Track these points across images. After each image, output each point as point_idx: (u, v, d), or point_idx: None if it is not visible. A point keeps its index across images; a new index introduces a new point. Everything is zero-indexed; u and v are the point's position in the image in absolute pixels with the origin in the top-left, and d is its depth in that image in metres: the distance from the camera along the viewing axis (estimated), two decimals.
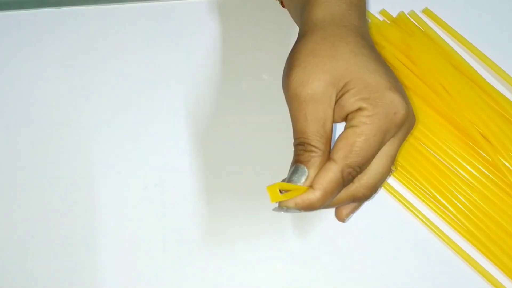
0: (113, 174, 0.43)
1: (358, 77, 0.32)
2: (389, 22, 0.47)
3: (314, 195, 0.31)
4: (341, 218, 0.37)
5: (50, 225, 0.42)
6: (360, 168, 0.32)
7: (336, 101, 0.32)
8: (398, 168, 0.43)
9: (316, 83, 0.32)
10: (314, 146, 0.32)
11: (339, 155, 0.31)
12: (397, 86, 0.33)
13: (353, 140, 0.31)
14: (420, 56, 0.44)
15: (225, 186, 0.43)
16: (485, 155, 0.42)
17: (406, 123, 0.33)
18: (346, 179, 0.32)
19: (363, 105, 0.31)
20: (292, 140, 0.33)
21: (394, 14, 0.48)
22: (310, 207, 0.32)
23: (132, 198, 0.42)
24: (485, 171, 0.42)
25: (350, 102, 0.32)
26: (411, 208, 0.42)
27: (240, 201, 0.42)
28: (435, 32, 0.47)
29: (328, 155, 0.32)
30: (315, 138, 0.32)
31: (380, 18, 0.48)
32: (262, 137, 0.44)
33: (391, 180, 0.43)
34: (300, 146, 0.32)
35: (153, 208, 0.42)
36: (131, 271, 0.41)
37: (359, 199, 0.34)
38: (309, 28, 0.34)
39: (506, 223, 0.41)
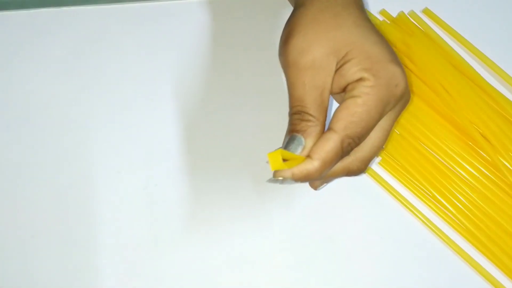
0: (113, 174, 0.43)
1: (360, 48, 0.32)
2: (389, 22, 0.47)
3: (313, 165, 0.30)
4: (315, 186, 0.36)
5: (50, 225, 0.42)
6: (359, 139, 0.32)
7: (336, 70, 0.32)
8: (398, 167, 0.43)
9: (317, 50, 0.32)
10: (311, 115, 0.31)
11: (340, 125, 0.31)
12: (397, 59, 0.32)
13: (354, 110, 0.31)
14: (420, 56, 0.44)
15: (225, 186, 0.43)
16: (485, 155, 0.42)
17: (404, 97, 0.33)
18: (345, 150, 0.31)
19: (365, 75, 0.31)
20: None
21: (394, 14, 0.48)
22: (307, 178, 0.31)
23: (132, 198, 0.42)
24: (485, 171, 0.42)
25: (352, 71, 0.31)
26: (411, 208, 0.42)
27: (240, 201, 0.42)
28: (435, 32, 0.47)
29: (324, 125, 0.32)
30: (313, 106, 0.31)
31: (380, 18, 0.48)
32: (262, 137, 0.44)
33: (391, 180, 0.43)
34: (297, 115, 0.31)
35: (153, 208, 0.42)
36: (131, 271, 0.41)
37: (353, 173, 0.34)
38: (297, 2, 0.34)
39: (506, 223, 0.41)
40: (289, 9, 0.46)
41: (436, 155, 0.43)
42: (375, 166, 0.43)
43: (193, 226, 0.42)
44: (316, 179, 0.32)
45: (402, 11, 0.48)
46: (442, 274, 0.41)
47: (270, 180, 0.31)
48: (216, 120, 0.44)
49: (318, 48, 0.32)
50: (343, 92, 0.33)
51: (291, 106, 0.32)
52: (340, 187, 0.42)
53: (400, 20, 0.47)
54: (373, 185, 0.43)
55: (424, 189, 0.42)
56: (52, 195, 0.42)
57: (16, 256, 0.41)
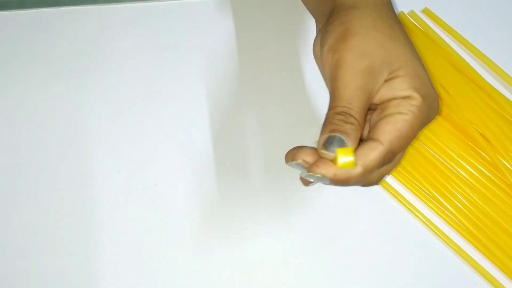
0: (113, 174, 0.43)
1: (412, 66, 0.32)
2: None
3: (355, 170, 0.30)
4: (306, 183, 0.35)
5: (50, 225, 0.41)
6: (397, 154, 0.32)
7: (385, 81, 0.32)
8: (399, 168, 0.43)
9: (376, 56, 0.32)
10: (356, 119, 0.31)
11: (386, 137, 0.31)
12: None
13: (401, 125, 0.31)
14: (419, 56, 0.44)
15: (225, 185, 0.43)
16: (485, 155, 0.42)
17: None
18: (385, 162, 0.32)
19: (414, 94, 0.31)
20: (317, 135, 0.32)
21: None
22: (346, 182, 0.31)
23: (132, 198, 0.42)
24: (485, 171, 0.42)
25: (402, 87, 0.32)
26: (411, 208, 0.42)
27: (240, 201, 0.42)
28: (435, 32, 0.47)
29: (362, 131, 0.32)
30: (359, 110, 0.31)
31: None
32: (261, 136, 0.44)
33: (391, 181, 0.43)
34: (340, 115, 0.31)
35: (154, 208, 0.42)
36: (131, 271, 0.41)
37: (370, 184, 0.34)
38: (360, 3, 0.34)
39: (506, 223, 0.41)
40: (292, 7, 0.46)
41: (436, 155, 0.43)
42: None
43: (193, 226, 0.42)
44: (351, 185, 0.32)
45: (402, 11, 0.48)
46: (442, 274, 0.41)
47: (305, 175, 0.31)
48: (216, 120, 0.44)
49: (377, 54, 0.32)
50: (374, 105, 0.33)
51: (336, 106, 0.31)
52: (340, 187, 0.42)
53: (400, 20, 0.47)
54: (373, 185, 0.43)
55: (424, 189, 0.42)
56: (52, 195, 0.42)
57: (16, 256, 0.41)
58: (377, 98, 0.33)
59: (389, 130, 0.31)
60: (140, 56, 0.46)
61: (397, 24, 0.34)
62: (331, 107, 0.32)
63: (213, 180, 0.43)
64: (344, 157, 0.29)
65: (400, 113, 0.31)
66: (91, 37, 0.47)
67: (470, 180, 0.42)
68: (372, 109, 0.34)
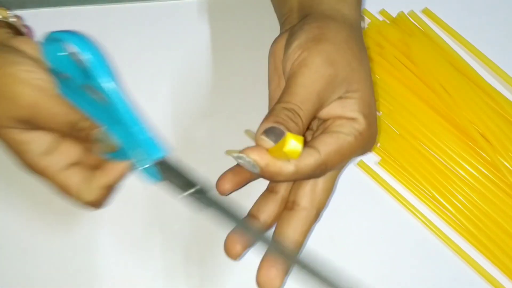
0: None
1: (367, 92, 0.33)
2: (388, 22, 0.47)
3: (287, 168, 0.30)
4: (232, 254, 0.35)
5: (50, 224, 0.41)
6: (329, 170, 0.32)
7: (339, 98, 0.33)
8: (398, 167, 0.43)
9: (341, 71, 0.32)
10: (302, 121, 0.31)
11: (325, 148, 0.31)
12: None
13: (343, 145, 0.32)
14: (419, 56, 0.44)
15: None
16: (484, 155, 0.42)
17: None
18: (316, 173, 0.32)
19: (361, 119, 0.32)
20: None
21: (394, 14, 0.48)
22: (274, 176, 0.30)
23: (132, 198, 0.42)
24: (485, 171, 0.42)
25: (353, 108, 0.32)
26: (410, 208, 0.42)
27: (240, 200, 0.42)
28: (435, 32, 0.47)
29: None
30: (308, 115, 0.31)
31: (380, 18, 0.48)
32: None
33: (391, 180, 0.43)
34: (289, 112, 0.30)
35: (153, 208, 0.42)
36: (131, 271, 0.41)
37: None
38: (339, 17, 0.35)
39: (506, 223, 0.41)
40: None
41: (435, 155, 0.43)
42: (374, 166, 0.43)
43: (193, 226, 0.42)
44: (277, 181, 0.32)
45: (402, 11, 0.48)
46: (442, 274, 0.41)
47: (235, 156, 0.30)
48: (216, 120, 0.44)
49: (342, 69, 0.32)
50: (317, 119, 0.34)
51: (287, 101, 0.31)
52: (340, 187, 0.42)
53: (400, 20, 0.47)
54: (373, 185, 0.43)
55: (424, 189, 0.42)
56: (52, 194, 0.42)
57: (15, 256, 0.41)
58: (325, 112, 0.33)
59: (329, 143, 0.31)
60: (140, 56, 0.46)
61: (364, 49, 0.35)
62: (281, 100, 0.31)
63: (213, 180, 0.43)
64: (295, 142, 0.28)
65: (343, 132, 0.32)
66: (91, 37, 0.47)
67: (470, 180, 0.42)
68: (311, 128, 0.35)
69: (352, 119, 0.32)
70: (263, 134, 0.29)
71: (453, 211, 0.41)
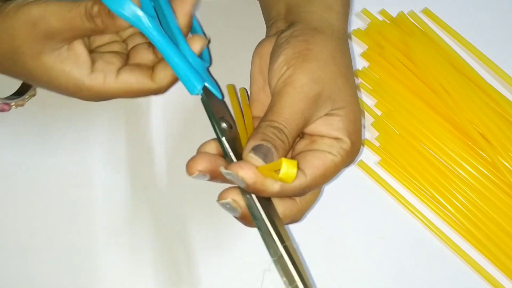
0: (112, 174, 0.43)
1: (352, 110, 0.33)
2: (388, 22, 0.47)
3: (273, 187, 0.30)
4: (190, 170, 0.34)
5: (49, 224, 0.41)
6: (313, 190, 0.33)
7: (324, 115, 0.33)
8: (398, 167, 0.43)
9: (326, 89, 0.32)
10: (288, 140, 0.31)
11: (312, 172, 0.32)
12: None
13: (328, 165, 0.32)
14: (419, 56, 0.44)
15: (225, 186, 0.42)
16: (484, 155, 0.42)
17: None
18: (300, 193, 0.32)
19: (346, 139, 0.33)
20: None
21: (394, 14, 0.48)
22: (259, 192, 0.31)
23: (132, 198, 0.42)
24: (485, 171, 0.42)
25: (338, 127, 0.33)
26: (410, 208, 0.42)
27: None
28: (435, 32, 0.47)
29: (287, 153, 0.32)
30: (293, 134, 0.32)
31: (380, 18, 0.48)
32: None
33: (390, 180, 0.43)
34: (274, 129, 0.31)
35: (153, 208, 0.42)
36: (131, 271, 0.41)
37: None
38: (326, 29, 0.34)
39: (505, 223, 0.41)
40: None
41: (435, 155, 0.43)
42: (374, 166, 0.43)
43: (193, 226, 0.42)
44: (264, 196, 0.32)
45: (402, 11, 0.48)
46: (441, 274, 0.41)
47: (224, 172, 0.31)
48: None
49: (327, 88, 0.32)
50: (302, 133, 0.34)
51: (273, 120, 0.31)
52: (340, 187, 0.42)
53: (400, 20, 0.47)
54: (373, 185, 0.43)
55: (424, 189, 0.42)
56: (51, 194, 0.42)
57: (15, 256, 0.41)
58: (310, 128, 0.33)
59: (317, 166, 0.32)
60: None
61: (350, 64, 0.35)
62: (267, 119, 0.32)
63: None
64: (290, 168, 0.28)
65: (331, 153, 0.32)
66: None
67: (470, 180, 0.42)
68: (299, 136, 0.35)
69: (338, 139, 0.33)
70: (251, 151, 0.30)
71: (453, 211, 0.41)
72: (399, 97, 0.44)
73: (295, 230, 0.42)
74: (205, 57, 0.37)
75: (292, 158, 0.33)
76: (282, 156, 0.31)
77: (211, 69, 0.41)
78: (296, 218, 0.35)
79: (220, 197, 0.32)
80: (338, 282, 0.40)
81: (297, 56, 0.33)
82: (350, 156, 0.33)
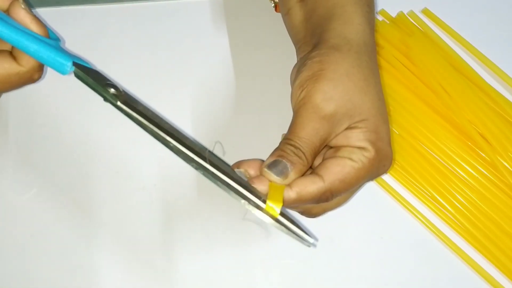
0: (112, 174, 0.43)
1: (374, 121, 0.33)
2: (388, 22, 0.48)
3: (288, 194, 0.31)
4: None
5: (49, 224, 0.41)
6: (336, 197, 0.33)
7: (344, 129, 0.33)
8: (398, 168, 0.43)
9: (341, 107, 0.33)
10: (305, 157, 0.32)
11: (330, 178, 0.32)
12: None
13: (348, 171, 0.32)
14: (419, 56, 0.44)
15: None
16: (484, 155, 0.42)
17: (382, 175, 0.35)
18: (322, 200, 0.32)
19: (369, 147, 0.33)
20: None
21: (394, 14, 0.48)
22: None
23: (131, 198, 0.42)
24: (484, 171, 0.42)
25: (358, 138, 0.33)
26: (410, 208, 0.42)
27: (239, 201, 0.42)
28: (434, 32, 0.47)
29: (309, 168, 0.33)
30: (311, 151, 0.32)
31: (380, 18, 0.48)
32: (261, 137, 0.44)
33: (390, 181, 0.43)
34: (292, 147, 0.32)
35: (152, 208, 0.42)
36: (130, 271, 0.41)
37: (309, 215, 0.36)
38: (344, 45, 0.34)
39: (505, 223, 0.41)
40: None
41: (435, 155, 0.43)
42: None
43: (192, 226, 0.42)
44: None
45: (402, 11, 0.48)
46: (441, 275, 0.41)
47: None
48: (215, 120, 0.44)
49: (342, 105, 0.33)
50: (327, 147, 0.34)
51: (290, 138, 0.33)
52: None
53: (400, 20, 0.47)
54: (373, 185, 0.43)
55: (423, 189, 0.42)
56: (51, 194, 0.42)
57: (15, 256, 0.41)
58: (333, 142, 0.34)
59: (334, 172, 0.32)
60: (140, 56, 0.46)
61: (372, 74, 0.35)
62: (286, 137, 0.33)
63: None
64: (273, 202, 0.31)
65: (350, 159, 0.33)
66: (91, 37, 0.47)
67: (469, 180, 0.42)
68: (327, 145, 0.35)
69: (360, 147, 0.33)
70: (266, 167, 0.32)
71: (452, 211, 0.42)
72: (398, 97, 0.44)
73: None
74: (53, 36, 0.35)
75: (319, 166, 0.34)
76: (300, 172, 0.32)
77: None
78: (316, 214, 0.36)
79: (235, 166, 0.34)
80: (338, 282, 0.41)
81: (310, 78, 0.33)
82: (375, 164, 0.33)
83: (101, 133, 0.44)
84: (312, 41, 0.37)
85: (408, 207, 0.42)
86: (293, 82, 0.35)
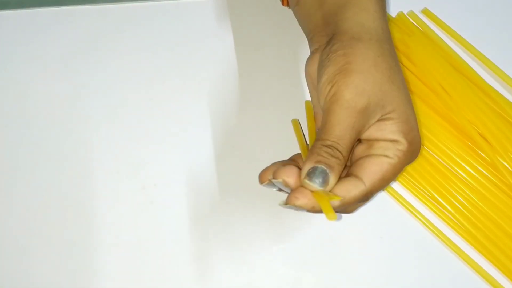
0: (112, 174, 0.43)
1: (404, 110, 0.33)
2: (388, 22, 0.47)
3: (334, 204, 0.31)
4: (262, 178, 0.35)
5: (49, 224, 0.41)
6: (376, 193, 0.33)
7: (377, 121, 0.33)
8: None
9: (373, 97, 0.32)
10: (342, 156, 0.32)
11: (370, 178, 0.32)
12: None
13: (386, 169, 0.32)
14: (419, 56, 0.44)
15: (224, 186, 0.43)
16: (484, 155, 0.42)
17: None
18: (363, 200, 0.33)
19: (402, 140, 0.33)
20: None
21: (393, 14, 0.48)
22: (319, 211, 0.31)
23: (131, 198, 0.42)
24: (484, 172, 0.42)
25: (392, 130, 0.33)
26: (410, 208, 0.42)
27: (239, 201, 0.42)
28: (434, 32, 0.47)
29: (344, 166, 0.33)
30: (347, 148, 0.32)
31: None
32: (261, 136, 0.44)
33: None
34: (328, 148, 0.32)
35: (152, 208, 0.42)
36: (130, 271, 0.41)
37: (342, 212, 0.36)
38: (364, 34, 0.34)
39: (505, 223, 0.41)
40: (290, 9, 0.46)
41: (435, 155, 0.43)
42: None
43: (192, 226, 0.42)
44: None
45: (401, 11, 0.48)
46: (441, 275, 0.41)
47: (284, 206, 0.32)
48: (215, 120, 0.44)
49: (374, 96, 0.32)
50: (359, 141, 0.34)
51: (325, 138, 0.32)
52: None
53: (399, 20, 0.47)
54: (347, 213, 0.43)
55: (423, 189, 0.42)
56: (51, 195, 0.42)
57: (15, 256, 0.41)
58: (366, 135, 0.33)
59: (374, 171, 0.32)
60: (140, 56, 0.46)
61: (395, 64, 0.34)
62: (319, 138, 0.32)
63: (212, 180, 0.43)
64: (327, 214, 0.30)
65: (386, 156, 0.32)
66: (90, 37, 0.47)
67: (469, 180, 0.42)
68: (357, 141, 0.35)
69: (393, 141, 0.33)
70: (306, 178, 0.31)
71: (452, 211, 0.42)
72: None
73: (296, 230, 0.42)
74: None
75: (351, 163, 0.34)
76: (339, 173, 0.32)
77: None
78: (350, 211, 0.36)
79: (266, 177, 0.33)
80: (338, 282, 0.41)
81: (338, 72, 0.33)
82: (408, 156, 0.33)
83: (101, 132, 0.44)
84: (326, 30, 0.36)
85: (408, 207, 0.42)
86: (317, 75, 0.35)
